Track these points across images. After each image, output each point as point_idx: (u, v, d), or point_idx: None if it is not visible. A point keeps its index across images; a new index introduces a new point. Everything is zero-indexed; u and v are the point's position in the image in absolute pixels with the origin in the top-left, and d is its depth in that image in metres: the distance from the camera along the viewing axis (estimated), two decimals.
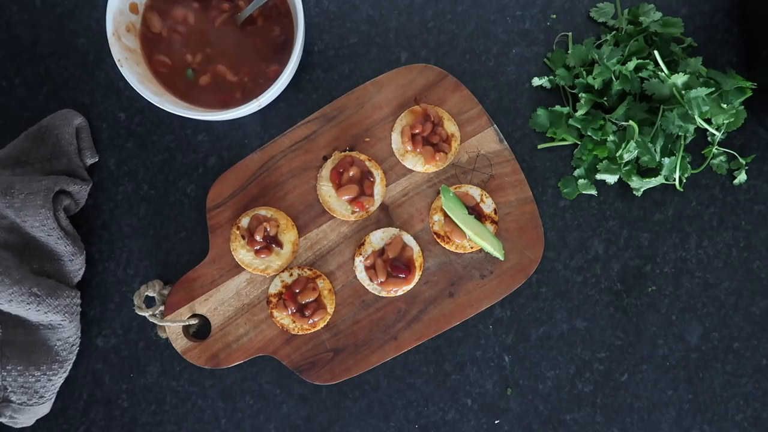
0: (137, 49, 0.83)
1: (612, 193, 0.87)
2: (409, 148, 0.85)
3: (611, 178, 0.84)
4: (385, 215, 0.86)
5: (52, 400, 0.85)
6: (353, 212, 0.85)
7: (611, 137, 0.82)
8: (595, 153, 0.84)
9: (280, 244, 0.83)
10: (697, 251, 0.87)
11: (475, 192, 0.85)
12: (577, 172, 0.86)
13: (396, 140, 0.86)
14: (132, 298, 0.87)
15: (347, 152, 0.85)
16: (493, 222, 0.85)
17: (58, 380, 0.84)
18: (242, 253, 0.83)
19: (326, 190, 0.85)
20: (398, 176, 0.86)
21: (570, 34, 0.88)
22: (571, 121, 0.84)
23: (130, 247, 0.88)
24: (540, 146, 0.87)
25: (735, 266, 0.86)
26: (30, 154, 0.86)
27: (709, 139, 0.86)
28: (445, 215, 0.84)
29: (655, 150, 0.82)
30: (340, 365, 0.85)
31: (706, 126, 0.80)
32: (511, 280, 0.85)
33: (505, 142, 0.86)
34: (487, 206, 0.85)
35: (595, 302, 0.86)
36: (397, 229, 0.85)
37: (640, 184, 0.84)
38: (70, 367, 0.85)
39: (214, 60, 0.83)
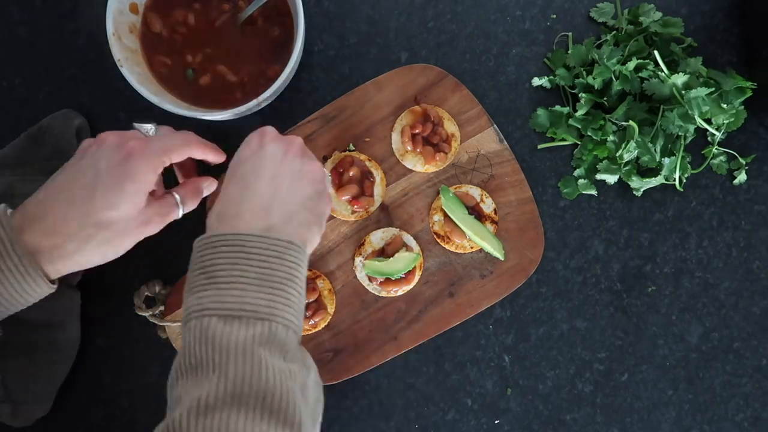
0: (137, 49, 0.83)
1: (612, 193, 0.87)
2: (409, 148, 0.85)
3: (611, 178, 0.84)
4: (385, 215, 0.86)
5: (52, 400, 0.85)
6: (353, 212, 0.85)
7: (611, 137, 0.82)
8: (595, 153, 0.84)
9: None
10: (697, 251, 0.87)
11: (475, 192, 0.85)
12: (577, 172, 0.86)
13: (396, 140, 0.86)
14: (132, 298, 0.87)
15: (347, 152, 0.85)
16: (493, 222, 0.85)
17: (58, 380, 0.84)
18: None
19: None
20: (398, 176, 0.86)
21: (570, 34, 0.88)
22: (571, 121, 0.84)
23: None
24: (540, 146, 0.87)
25: (735, 266, 0.86)
26: (30, 155, 0.86)
27: (709, 139, 0.86)
28: (445, 215, 0.84)
29: (655, 150, 0.82)
30: (340, 365, 0.85)
31: (706, 126, 0.80)
32: (511, 280, 0.85)
33: (505, 142, 0.86)
34: (487, 206, 0.85)
35: (595, 302, 0.86)
36: (397, 229, 0.85)
37: (640, 184, 0.84)
38: (70, 367, 0.85)
39: (214, 60, 0.83)
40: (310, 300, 0.83)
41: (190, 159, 0.78)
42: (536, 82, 0.87)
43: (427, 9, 0.88)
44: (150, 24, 0.83)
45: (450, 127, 0.85)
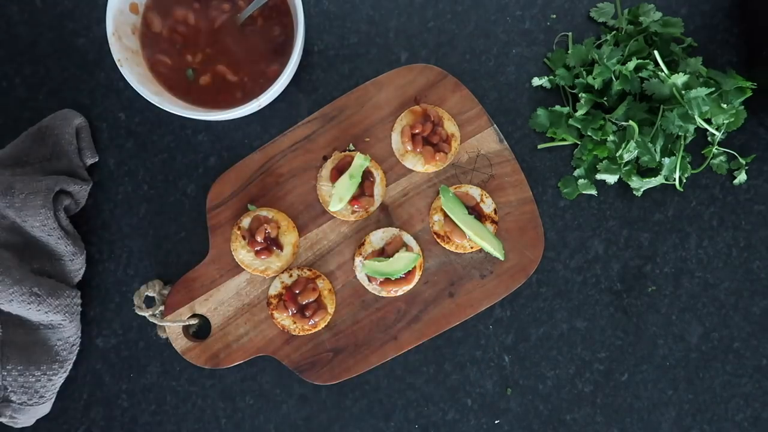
0: (137, 49, 0.83)
1: (612, 193, 0.87)
2: (409, 148, 0.85)
3: (611, 178, 0.84)
4: (385, 215, 0.86)
5: (52, 400, 0.85)
6: (353, 212, 0.85)
7: (611, 137, 0.82)
8: (595, 153, 0.84)
9: (280, 246, 0.83)
10: (697, 251, 0.87)
11: (475, 192, 0.85)
12: (577, 172, 0.86)
13: (396, 140, 0.86)
14: (132, 298, 0.87)
15: (347, 152, 0.85)
16: (493, 222, 0.85)
17: (59, 380, 0.84)
18: (242, 254, 0.83)
19: (326, 190, 0.85)
20: (398, 176, 0.86)
21: (570, 34, 0.88)
22: (571, 121, 0.84)
23: (130, 247, 0.88)
24: (540, 146, 0.87)
25: (735, 266, 0.86)
26: (30, 154, 0.86)
27: (709, 139, 0.86)
28: (445, 215, 0.84)
29: (655, 150, 0.82)
30: (340, 365, 0.85)
31: (706, 126, 0.80)
32: (511, 280, 0.85)
33: (505, 142, 0.86)
34: (487, 206, 0.85)
35: (595, 302, 0.86)
36: (397, 229, 0.85)
37: (640, 184, 0.84)
38: (70, 367, 0.85)
39: (214, 60, 0.83)
40: (310, 300, 0.83)
41: None
42: (536, 82, 0.87)
43: (427, 9, 0.88)
44: (150, 24, 0.83)
45: (450, 127, 0.85)
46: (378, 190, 0.85)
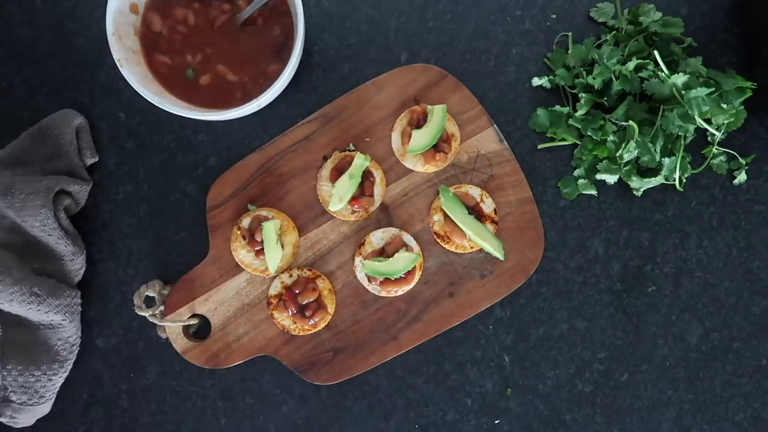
0: (137, 49, 0.83)
1: (612, 193, 0.87)
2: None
3: (611, 178, 0.84)
4: (385, 215, 0.86)
5: (52, 399, 0.85)
6: (353, 212, 0.85)
7: (611, 137, 0.82)
8: (595, 153, 0.84)
9: (280, 246, 0.83)
10: (697, 251, 0.87)
11: (475, 192, 0.85)
12: (577, 172, 0.86)
13: (396, 140, 0.86)
14: (132, 298, 0.87)
15: (347, 152, 0.85)
16: (493, 222, 0.85)
17: (59, 380, 0.84)
18: (242, 254, 0.83)
19: (326, 190, 0.85)
20: (398, 176, 0.86)
21: (570, 34, 0.88)
22: (571, 121, 0.84)
23: (130, 247, 0.88)
24: (540, 146, 0.87)
25: (735, 266, 0.86)
26: (30, 154, 0.86)
27: (709, 139, 0.86)
28: (445, 215, 0.84)
29: (655, 150, 0.82)
30: (340, 365, 0.85)
31: (706, 126, 0.80)
32: (511, 280, 0.85)
33: (505, 142, 0.86)
34: (487, 206, 0.85)
35: (595, 302, 0.86)
36: (397, 229, 0.85)
37: (640, 184, 0.84)
38: (70, 367, 0.85)
39: (214, 60, 0.83)
40: (310, 300, 0.83)
41: None
42: (536, 82, 0.87)
43: (427, 9, 0.88)
44: (150, 24, 0.83)
45: (450, 127, 0.85)
46: (378, 190, 0.85)
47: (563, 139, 0.86)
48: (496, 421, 0.86)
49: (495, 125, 0.86)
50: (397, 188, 0.86)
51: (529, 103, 0.88)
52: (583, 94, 0.83)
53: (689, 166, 0.84)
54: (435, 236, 0.85)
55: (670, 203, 0.87)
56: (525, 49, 0.88)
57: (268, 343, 0.85)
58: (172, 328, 0.85)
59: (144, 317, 0.86)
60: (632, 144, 0.81)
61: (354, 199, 0.84)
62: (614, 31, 0.86)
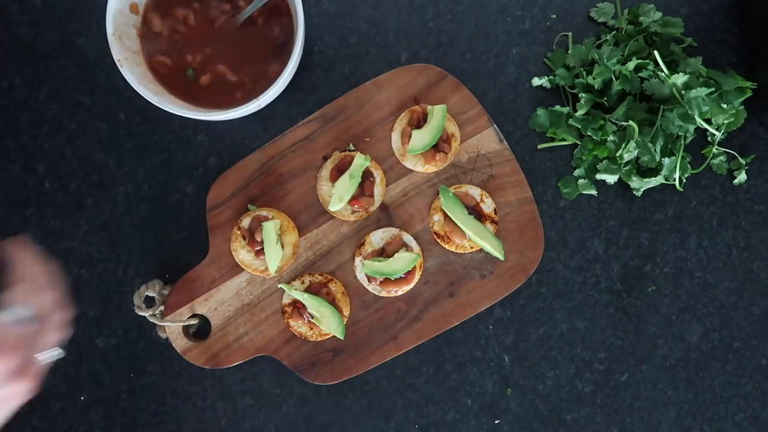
0: (137, 49, 0.83)
1: (612, 193, 0.87)
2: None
3: (611, 178, 0.84)
4: (385, 215, 0.86)
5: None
6: (353, 212, 0.85)
7: (611, 137, 0.82)
8: (595, 153, 0.84)
9: (280, 246, 0.83)
10: (697, 251, 0.87)
11: (475, 192, 0.85)
12: (577, 172, 0.86)
13: (396, 140, 0.86)
14: (132, 298, 0.87)
15: (347, 152, 0.85)
16: (493, 222, 0.85)
17: None
18: (242, 254, 0.83)
19: (326, 190, 0.85)
20: (398, 176, 0.86)
21: (570, 34, 0.88)
22: (571, 121, 0.84)
23: (130, 247, 0.88)
24: (540, 146, 0.87)
25: (735, 266, 0.86)
26: None
27: (709, 139, 0.86)
28: (445, 215, 0.84)
29: (655, 150, 0.82)
30: (340, 365, 0.85)
31: (706, 126, 0.80)
32: (511, 280, 0.85)
33: (505, 142, 0.86)
34: (487, 206, 0.85)
35: (595, 302, 0.86)
36: (397, 229, 0.85)
37: (640, 184, 0.84)
38: None
39: (214, 60, 0.83)
40: None
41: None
42: (536, 82, 0.87)
43: (427, 9, 0.88)
44: (150, 24, 0.83)
45: (450, 127, 0.85)
46: (378, 190, 0.85)
47: (563, 139, 0.86)
48: (496, 421, 0.86)
49: (495, 125, 0.86)
50: (397, 188, 0.86)
51: (529, 103, 0.88)
52: (583, 94, 0.83)
53: (689, 166, 0.84)
54: (435, 236, 0.85)
55: (670, 203, 0.87)
56: (525, 49, 0.88)
57: (268, 343, 0.85)
58: (172, 328, 0.85)
59: (144, 317, 0.86)
60: (632, 144, 0.81)
61: (354, 199, 0.84)
62: (614, 31, 0.86)
